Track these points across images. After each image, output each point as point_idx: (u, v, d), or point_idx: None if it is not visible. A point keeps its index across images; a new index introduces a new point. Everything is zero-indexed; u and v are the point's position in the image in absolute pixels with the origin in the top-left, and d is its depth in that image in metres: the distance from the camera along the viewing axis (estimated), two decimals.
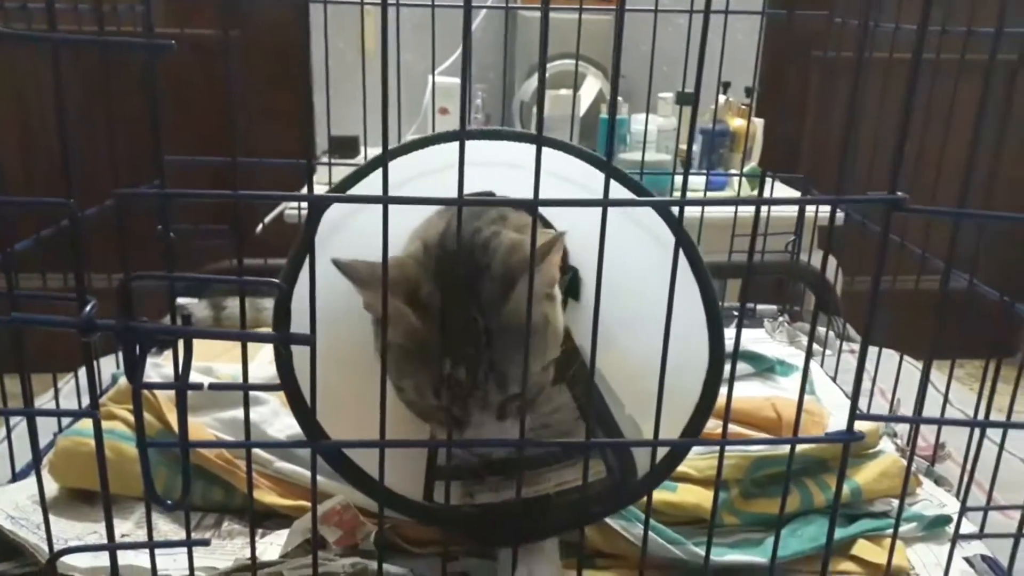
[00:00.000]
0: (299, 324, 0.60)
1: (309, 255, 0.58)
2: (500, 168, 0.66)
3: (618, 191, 0.65)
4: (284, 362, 0.66)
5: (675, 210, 0.62)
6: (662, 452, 0.70)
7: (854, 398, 0.64)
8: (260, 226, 1.59)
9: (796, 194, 1.48)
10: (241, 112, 0.67)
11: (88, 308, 0.60)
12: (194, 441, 0.65)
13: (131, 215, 0.62)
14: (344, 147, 1.90)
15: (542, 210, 0.67)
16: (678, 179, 1.91)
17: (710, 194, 1.83)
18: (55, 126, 0.53)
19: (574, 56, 1.41)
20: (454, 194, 0.55)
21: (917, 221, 0.62)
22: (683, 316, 0.62)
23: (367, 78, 1.49)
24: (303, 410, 0.69)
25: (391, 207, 0.55)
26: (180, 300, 1.15)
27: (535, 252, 0.58)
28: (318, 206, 0.63)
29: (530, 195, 0.55)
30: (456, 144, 0.54)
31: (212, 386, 0.63)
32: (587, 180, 0.67)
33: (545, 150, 0.55)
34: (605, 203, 0.58)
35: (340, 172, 1.73)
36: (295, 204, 1.74)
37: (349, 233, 0.68)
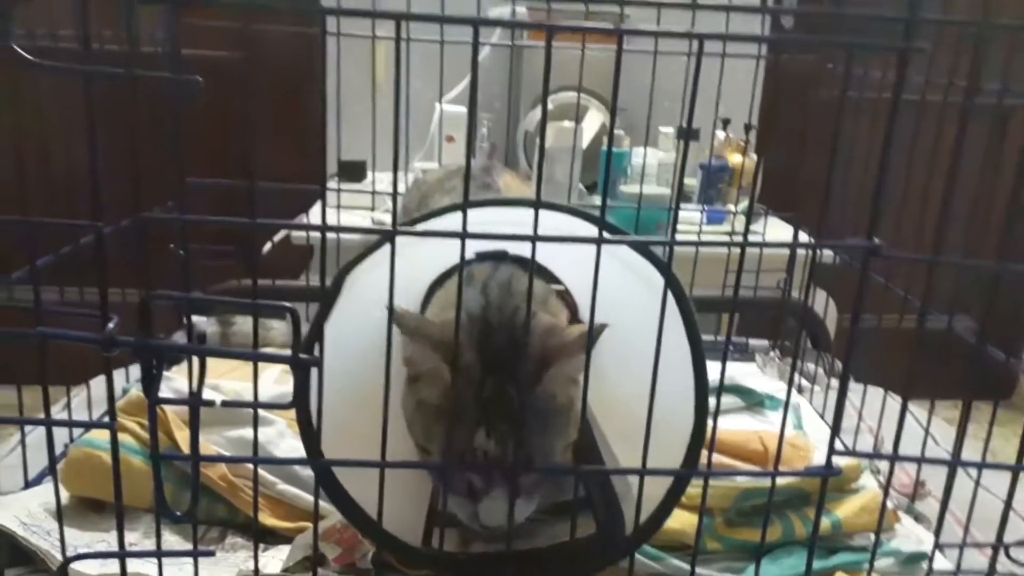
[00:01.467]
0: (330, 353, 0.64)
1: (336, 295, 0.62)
2: (508, 227, 0.71)
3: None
4: (300, 384, 0.69)
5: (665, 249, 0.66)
6: (650, 509, 0.73)
7: (832, 435, 0.68)
8: (268, 246, 1.63)
9: (790, 230, 1.51)
10: (252, 135, 0.70)
11: (110, 325, 0.64)
12: (204, 455, 0.68)
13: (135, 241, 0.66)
14: (352, 171, 1.94)
15: (552, 267, 0.73)
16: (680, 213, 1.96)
17: (707, 228, 1.87)
18: (61, 149, 0.56)
19: (582, 90, 1.46)
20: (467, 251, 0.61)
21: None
22: (671, 355, 0.66)
23: (376, 105, 1.55)
24: (309, 432, 0.72)
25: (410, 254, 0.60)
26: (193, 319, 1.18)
27: (568, 342, 0.67)
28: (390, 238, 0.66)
29: (540, 256, 0.59)
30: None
31: (224, 403, 0.66)
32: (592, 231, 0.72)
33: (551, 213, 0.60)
34: (599, 241, 0.62)
35: (348, 196, 1.77)
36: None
37: (374, 277, 0.71)
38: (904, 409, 0.70)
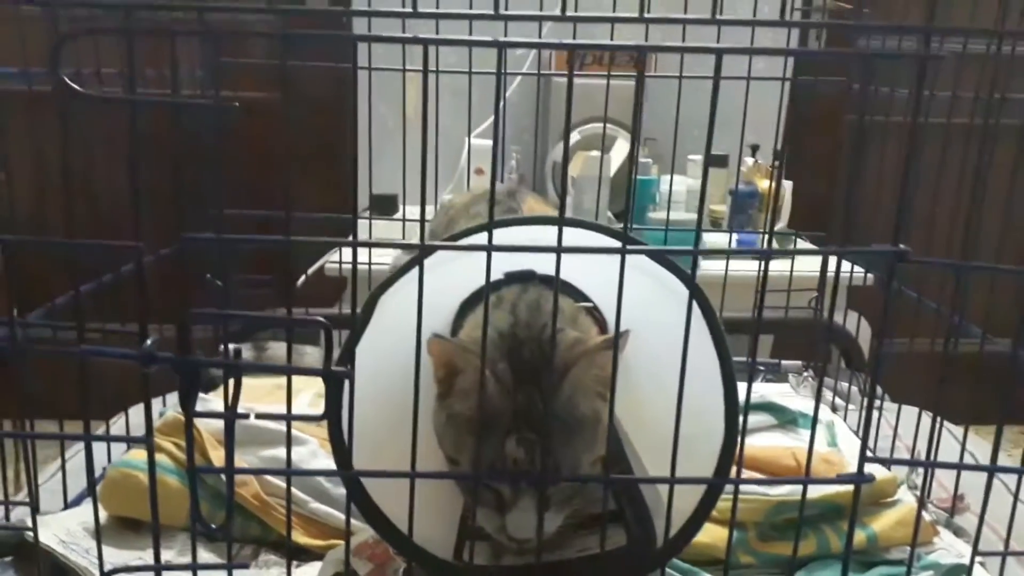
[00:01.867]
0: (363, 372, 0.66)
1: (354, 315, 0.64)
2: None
3: (643, 258, 0.71)
4: (332, 398, 0.70)
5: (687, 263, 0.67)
6: (681, 522, 0.73)
7: (863, 441, 0.67)
8: (303, 278, 1.66)
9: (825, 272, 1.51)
10: (287, 170, 0.73)
11: (148, 342, 0.66)
12: (239, 468, 0.70)
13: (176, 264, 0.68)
14: (384, 205, 1.98)
15: (581, 285, 0.74)
16: (706, 237, 1.96)
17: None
18: (104, 187, 0.59)
19: (608, 120, 1.48)
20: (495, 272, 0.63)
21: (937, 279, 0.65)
22: (701, 371, 0.66)
23: (407, 140, 1.58)
24: (340, 446, 0.73)
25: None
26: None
27: (590, 348, 0.68)
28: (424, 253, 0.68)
29: (566, 274, 0.61)
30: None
31: (258, 415, 0.67)
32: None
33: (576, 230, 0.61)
34: (623, 251, 0.63)
35: (379, 228, 1.80)
36: (336, 259, 1.81)
37: (404, 298, 0.73)
38: (936, 421, 0.70)
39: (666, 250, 0.72)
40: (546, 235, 0.69)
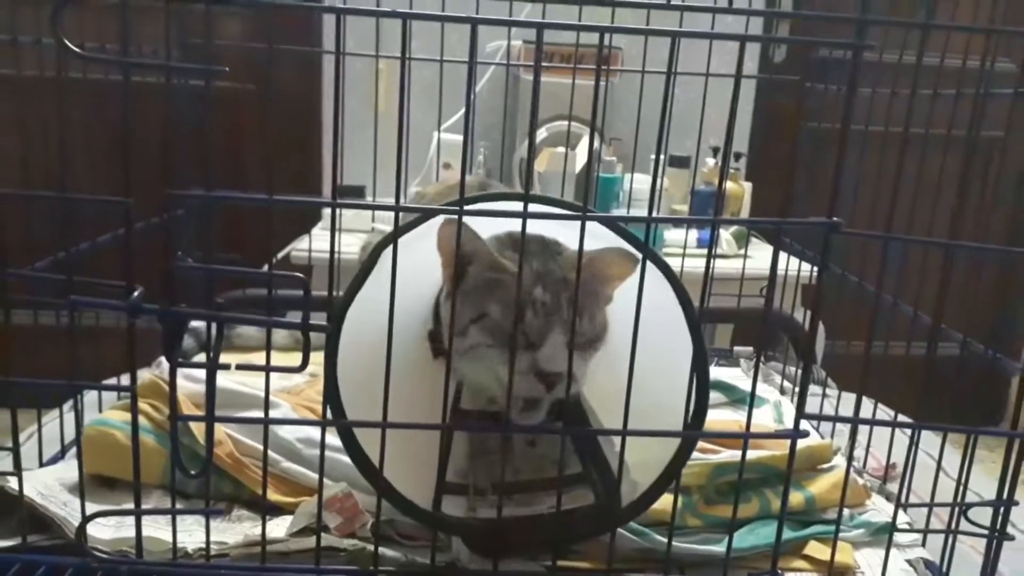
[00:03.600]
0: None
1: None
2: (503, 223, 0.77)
3: (603, 230, 0.76)
4: (329, 352, 0.74)
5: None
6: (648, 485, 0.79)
7: (800, 400, 0.73)
8: (272, 261, 1.68)
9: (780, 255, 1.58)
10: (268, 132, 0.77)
11: (135, 294, 0.70)
12: (219, 416, 0.74)
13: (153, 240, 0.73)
14: (352, 195, 2.02)
15: None
16: (667, 234, 2.03)
17: (697, 250, 1.94)
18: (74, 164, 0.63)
19: (572, 119, 1.54)
20: None
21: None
22: (669, 341, 0.72)
23: (378, 131, 1.62)
24: (335, 399, 0.77)
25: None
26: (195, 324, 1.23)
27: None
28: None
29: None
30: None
31: (239, 366, 0.71)
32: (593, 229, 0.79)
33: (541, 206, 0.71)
34: (583, 218, 0.69)
35: (347, 217, 1.82)
36: (304, 247, 1.84)
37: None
38: (862, 383, 0.76)
39: (622, 217, 0.78)
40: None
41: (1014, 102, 0.87)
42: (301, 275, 0.71)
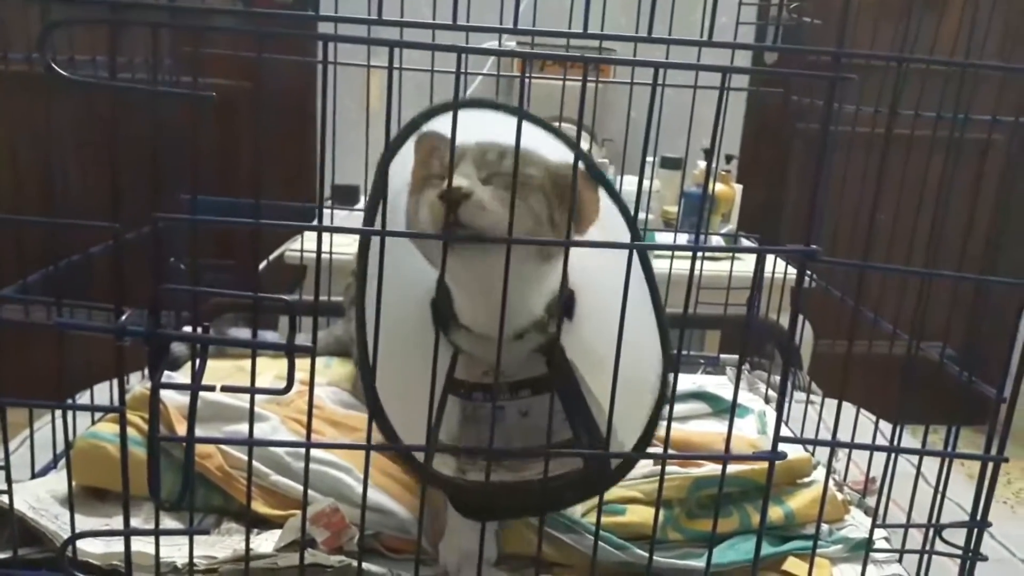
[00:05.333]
0: None
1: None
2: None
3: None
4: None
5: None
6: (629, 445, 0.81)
7: (778, 422, 0.75)
8: (264, 263, 1.70)
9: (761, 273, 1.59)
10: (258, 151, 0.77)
11: (123, 317, 0.71)
12: (199, 437, 0.75)
13: (138, 252, 0.73)
14: (345, 195, 2.02)
15: None
16: (658, 236, 2.04)
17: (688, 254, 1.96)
18: (64, 166, 0.64)
19: (563, 120, 1.54)
20: None
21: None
22: (641, 318, 0.73)
23: (370, 133, 1.63)
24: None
25: None
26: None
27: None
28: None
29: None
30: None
31: (224, 388, 0.72)
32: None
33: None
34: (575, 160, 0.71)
35: (340, 218, 1.83)
36: (296, 247, 1.85)
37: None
38: (840, 403, 0.77)
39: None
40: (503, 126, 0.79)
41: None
42: (286, 298, 0.71)
